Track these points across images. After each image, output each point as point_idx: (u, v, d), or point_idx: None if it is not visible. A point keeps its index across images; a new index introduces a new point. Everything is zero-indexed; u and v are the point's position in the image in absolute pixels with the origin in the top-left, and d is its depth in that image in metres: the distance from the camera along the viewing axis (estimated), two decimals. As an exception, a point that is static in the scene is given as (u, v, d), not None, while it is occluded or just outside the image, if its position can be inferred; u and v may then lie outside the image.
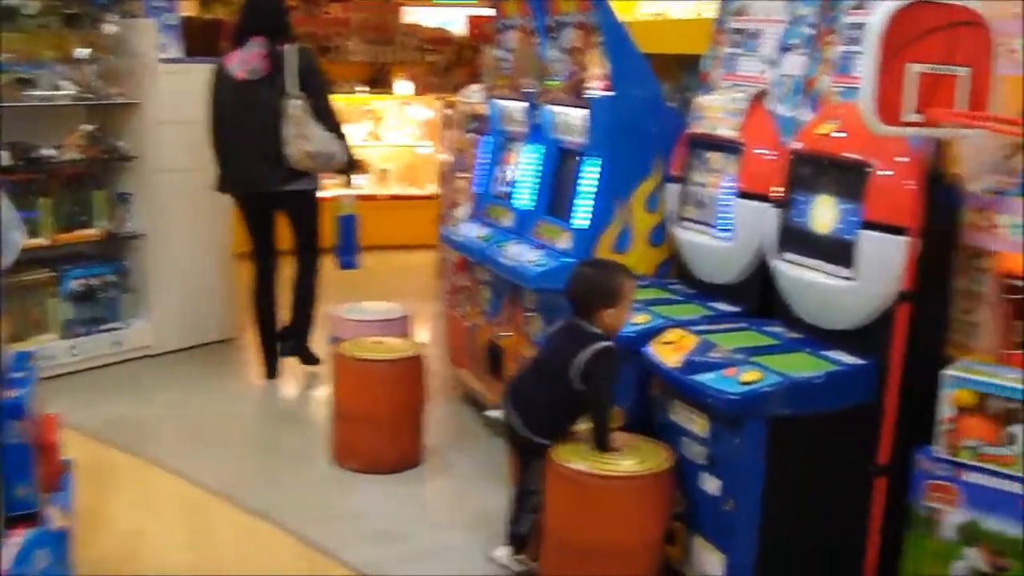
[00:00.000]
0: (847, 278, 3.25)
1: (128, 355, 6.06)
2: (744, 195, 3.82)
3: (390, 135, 9.76)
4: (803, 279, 3.46)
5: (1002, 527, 2.95)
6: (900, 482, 3.18)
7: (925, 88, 2.91)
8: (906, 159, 3.15)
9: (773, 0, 3.99)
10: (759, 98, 3.91)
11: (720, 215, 3.95)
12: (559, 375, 3.50)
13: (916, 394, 3.17)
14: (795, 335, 3.52)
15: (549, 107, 4.76)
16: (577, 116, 4.50)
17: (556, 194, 4.68)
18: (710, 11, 4.43)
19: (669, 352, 3.49)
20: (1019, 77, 3.18)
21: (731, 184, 3.90)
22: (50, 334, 5.76)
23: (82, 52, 5.82)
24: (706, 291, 4.09)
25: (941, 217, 3.18)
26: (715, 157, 4.06)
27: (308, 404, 5.66)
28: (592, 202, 4.35)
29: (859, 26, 3.38)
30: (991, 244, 3.20)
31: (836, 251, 3.31)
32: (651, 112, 4.43)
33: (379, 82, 10.16)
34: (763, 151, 3.81)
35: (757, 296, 3.83)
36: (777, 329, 3.60)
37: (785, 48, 3.89)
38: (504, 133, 5.28)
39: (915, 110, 2.91)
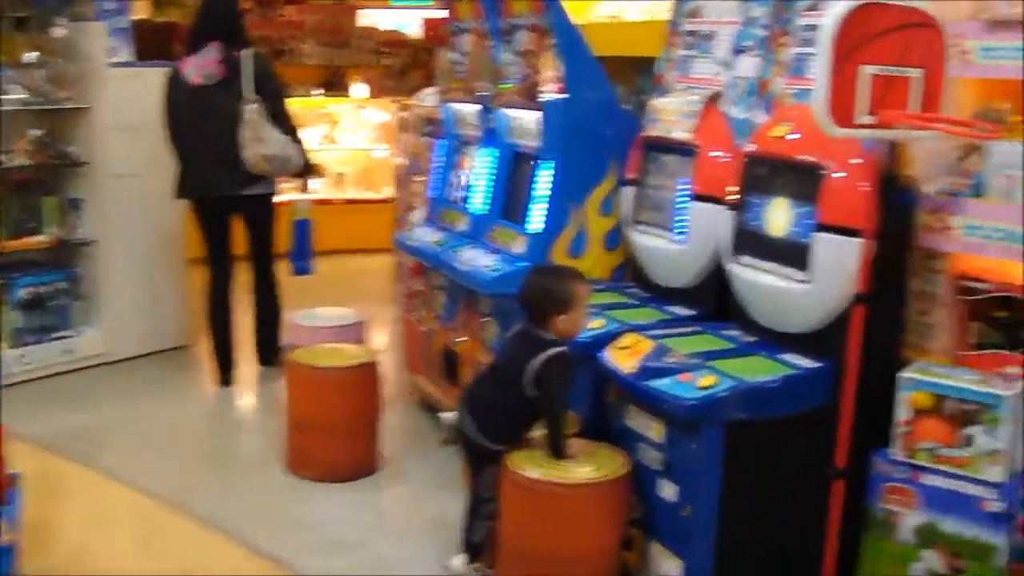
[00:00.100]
0: (802, 281, 3.25)
1: (80, 363, 5.96)
2: (699, 198, 3.81)
3: (346, 138, 9.71)
4: (758, 282, 3.45)
5: (959, 529, 2.96)
6: (857, 485, 3.19)
7: (878, 90, 2.91)
8: (860, 161, 3.15)
9: (726, 1, 3.99)
10: (713, 100, 3.91)
11: (675, 218, 3.94)
12: (513, 381, 3.47)
13: (872, 396, 3.18)
14: (751, 338, 3.52)
15: (503, 110, 4.72)
16: (531, 119, 4.47)
17: (511, 198, 4.65)
18: (664, 13, 4.42)
19: (625, 357, 3.47)
20: (971, 79, 3.20)
21: (686, 187, 3.89)
22: (-1, 343, 5.67)
23: (31, 56, 5.72)
24: (662, 295, 4.07)
25: (895, 219, 3.19)
26: (670, 160, 4.05)
27: (263, 412, 5.57)
28: (547, 206, 4.32)
29: (813, 28, 3.38)
30: (945, 246, 3.22)
31: (791, 253, 3.30)
32: (605, 115, 4.41)
33: (334, 85, 10.09)
34: (718, 153, 3.80)
35: (713, 299, 3.82)
36: (733, 333, 3.59)
37: (739, 50, 3.89)
38: (458, 137, 5.24)
39: (868, 112, 2.91)
